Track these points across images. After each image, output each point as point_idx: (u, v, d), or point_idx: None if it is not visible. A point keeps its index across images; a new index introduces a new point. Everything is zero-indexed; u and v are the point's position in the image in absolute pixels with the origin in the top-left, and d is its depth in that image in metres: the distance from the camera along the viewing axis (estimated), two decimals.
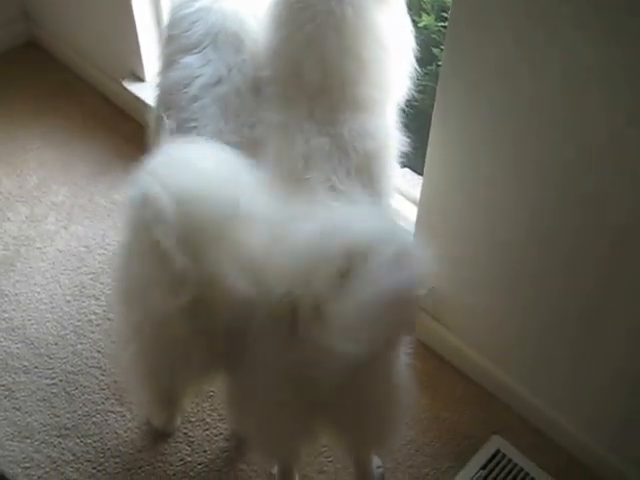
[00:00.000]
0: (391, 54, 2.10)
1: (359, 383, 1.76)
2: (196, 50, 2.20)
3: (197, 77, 2.16)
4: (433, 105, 2.23)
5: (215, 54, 2.17)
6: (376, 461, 2.43)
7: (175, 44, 2.28)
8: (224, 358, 1.91)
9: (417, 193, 2.49)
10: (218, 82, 2.14)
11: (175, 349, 1.89)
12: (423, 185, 2.43)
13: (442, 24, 2.46)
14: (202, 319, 1.76)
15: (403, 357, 1.92)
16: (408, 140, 2.17)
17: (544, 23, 1.84)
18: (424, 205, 2.47)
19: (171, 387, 2.24)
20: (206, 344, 1.85)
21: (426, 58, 2.15)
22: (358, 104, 2.06)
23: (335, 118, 2.03)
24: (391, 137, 2.13)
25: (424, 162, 2.35)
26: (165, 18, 3.06)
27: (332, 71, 2.03)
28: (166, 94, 2.26)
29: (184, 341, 1.85)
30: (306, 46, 2.04)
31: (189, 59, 2.19)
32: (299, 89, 2.06)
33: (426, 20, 2.53)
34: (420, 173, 2.43)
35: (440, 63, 2.18)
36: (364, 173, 2.03)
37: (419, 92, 2.20)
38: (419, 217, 2.50)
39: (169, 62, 2.27)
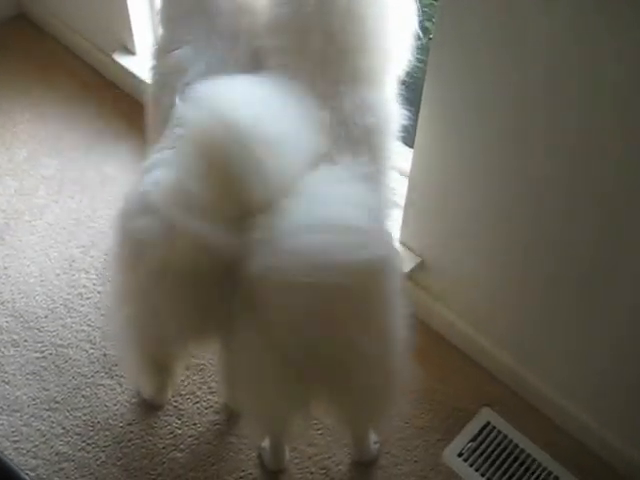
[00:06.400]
0: (393, 24, 2.08)
1: (354, 354, 1.76)
2: (189, 44, 2.16)
3: (191, 68, 2.12)
4: (424, 79, 2.22)
5: (209, 50, 2.14)
6: (373, 437, 2.44)
7: (169, 32, 2.27)
8: (217, 322, 1.90)
9: (407, 166, 2.48)
10: (214, 73, 2.10)
11: (169, 311, 1.89)
12: (414, 158, 2.42)
13: None
14: (200, 277, 1.77)
15: (400, 329, 1.91)
16: (407, 114, 2.14)
17: None
18: (414, 178, 2.46)
19: (163, 351, 2.23)
20: (200, 306, 1.85)
21: (419, 31, 2.12)
22: (360, 75, 2.04)
23: (336, 91, 2.01)
24: (391, 111, 2.11)
25: (414, 135, 2.34)
26: None
27: (337, 39, 2.00)
28: (162, 76, 2.23)
29: (178, 302, 1.85)
30: (314, 14, 2.00)
31: (182, 51, 2.16)
32: (303, 60, 2.03)
33: None
34: (410, 146, 2.41)
35: (432, 36, 2.17)
36: (364, 147, 2.01)
37: (411, 65, 2.17)
38: (409, 190, 2.49)
39: (165, 49, 2.24)
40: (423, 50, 2.18)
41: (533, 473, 2.42)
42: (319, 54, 2.02)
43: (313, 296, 1.63)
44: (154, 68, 2.29)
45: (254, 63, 2.13)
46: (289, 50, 2.06)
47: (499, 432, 2.49)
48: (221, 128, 1.65)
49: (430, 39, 2.18)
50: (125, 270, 1.98)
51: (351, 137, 1.98)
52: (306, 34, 2.02)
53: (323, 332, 1.70)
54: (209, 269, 1.76)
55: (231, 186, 1.67)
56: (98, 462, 2.41)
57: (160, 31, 2.33)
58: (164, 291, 1.85)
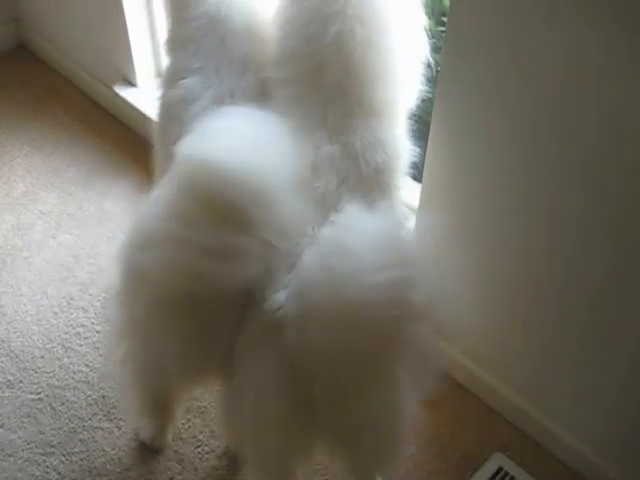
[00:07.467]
0: (407, 54, 2.06)
1: (360, 398, 1.71)
2: (197, 73, 2.12)
3: (198, 99, 2.09)
4: (432, 112, 2.19)
5: (217, 79, 2.10)
6: None
7: (176, 61, 2.23)
8: (219, 359, 1.86)
9: (415, 200, 2.45)
10: (221, 104, 2.07)
11: (169, 346, 1.84)
12: (422, 192, 2.39)
13: (442, 28, 2.41)
14: (202, 311, 1.74)
15: (407, 374, 1.84)
16: (417, 150, 2.10)
17: (545, 22, 1.80)
18: (422, 213, 2.42)
19: (163, 389, 2.19)
20: (201, 342, 1.81)
21: (430, 60, 2.10)
22: (373, 109, 1.99)
23: (348, 125, 1.96)
24: (402, 147, 2.06)
25: (422, 169, 2.30)
26: (160, 23, 3.02)
27: (353, 71, 1.96)
28: (168, 109, 2.20)
29: (179, 337, 1.80)
30: (332, 45, 1.96)
31: (190, 81, 2.12)
32: (315, 92, 1.99)
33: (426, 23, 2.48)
34: (418, 180, 2.37)
35: (439, 68, 2.14)
36: (373, 184, 1.96)
37: (421, 98, 2.14)
38: (417, 225, 2.42)
39: (172, 78, 2.20)
40: (433, 83, 2.15)
41: None
42: (333, 87, 1.97)
43: (352, 336, 1.58)
44: (161, 98, 2.25)
45: (263, 94, 2.10)
46: (301, 82, 2.02)
47: (512, 478, 2.41)
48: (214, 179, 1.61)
49: (438, 71, 2.16)
50: (126, 304, 1.95)
51: (361, 173, 1.94)
52: (322, 66, 1.97)
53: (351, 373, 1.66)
54: (211, 303, 1.73)
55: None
56: None
57: (166, 61, 2.29)
58: (164, 326, 1.81)
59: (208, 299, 1.72)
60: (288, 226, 1.71)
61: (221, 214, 1.60)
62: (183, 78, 2.13)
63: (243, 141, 1.67)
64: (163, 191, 1.80)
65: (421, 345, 1.73)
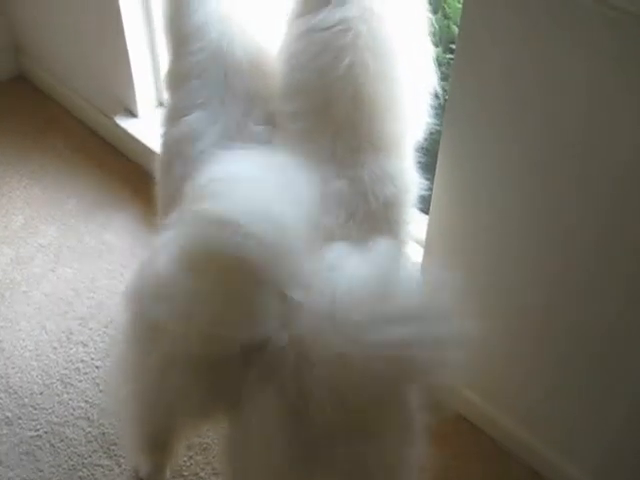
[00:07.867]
0: (416, 86, 2.04)
1: (366, 437, 1.66)
2: (201, 108, 2.10)
3: (205, 135, 2.07)
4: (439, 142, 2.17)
5: (223, 114, 2.09)
6: None
7: (178, 97, 2.21)
8: (225, 400, 1.80)
9: (421, 233, 2.41)
10: (227, 139, 2.06)
11: (179, 390, 1.80)
12: (429, 225, 2.36)
13: (451, 56, 2.40)
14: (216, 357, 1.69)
15: (417, 414, 1.79)
16: (426, 182, 2.10)
17: (555, 53, 1.77)
18: (430, 246, 2.39)
19: (166, 428, 2.14)
20: (213, 385, 1.77)
21: (437, 90, 2.10)
22: (381, 142, 1.97)
23: (356, 159, 1.94)
24: (411, 180, 2.05)
25: (429, 201, 2.27)
26: (163, 53, 2.99)
27: (364, 103, 1.94)
28: (172, 146, 2.18)
29: (191, 382, 1.76)
30: (343, 79, 1.94)
31: (194, 117, 2.10)
32: (324, 126, 1.97)
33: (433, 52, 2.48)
34: (425, 212, 2.34)
35: (447, 97, 2.12)
36: (382, 219, 1.95)
37: (429, 129, 2.13)
38: (425, 258, 2.43)
39: (174, 115, 2.18)
40: (441, 110, 2.14)
41: None
42: (342, 120, 1.95)
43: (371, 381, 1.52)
44: (164, 136, 2.22)
45: (269, 128, 2.09)
46: (310, 115, 2.00)
47: None
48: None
49: (447, 100, 2.14)
50: (136, 349, 1.91)
51: (369, 208, 1.92)
52: (331, 99, 1.96)
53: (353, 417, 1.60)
54: (226, 350, 1.68)
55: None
56: None
57: (168, 95, 2.27)
58: (177, 371, 1.77)
59: (222, 349, 1.68)
60: (302, 276, 1.65)
61: (236, 271, 1.54)
62: (185, 115, 2.11)
63: (255, 191, 1.60)
64: (174, 239, 1.76)
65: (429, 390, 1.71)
